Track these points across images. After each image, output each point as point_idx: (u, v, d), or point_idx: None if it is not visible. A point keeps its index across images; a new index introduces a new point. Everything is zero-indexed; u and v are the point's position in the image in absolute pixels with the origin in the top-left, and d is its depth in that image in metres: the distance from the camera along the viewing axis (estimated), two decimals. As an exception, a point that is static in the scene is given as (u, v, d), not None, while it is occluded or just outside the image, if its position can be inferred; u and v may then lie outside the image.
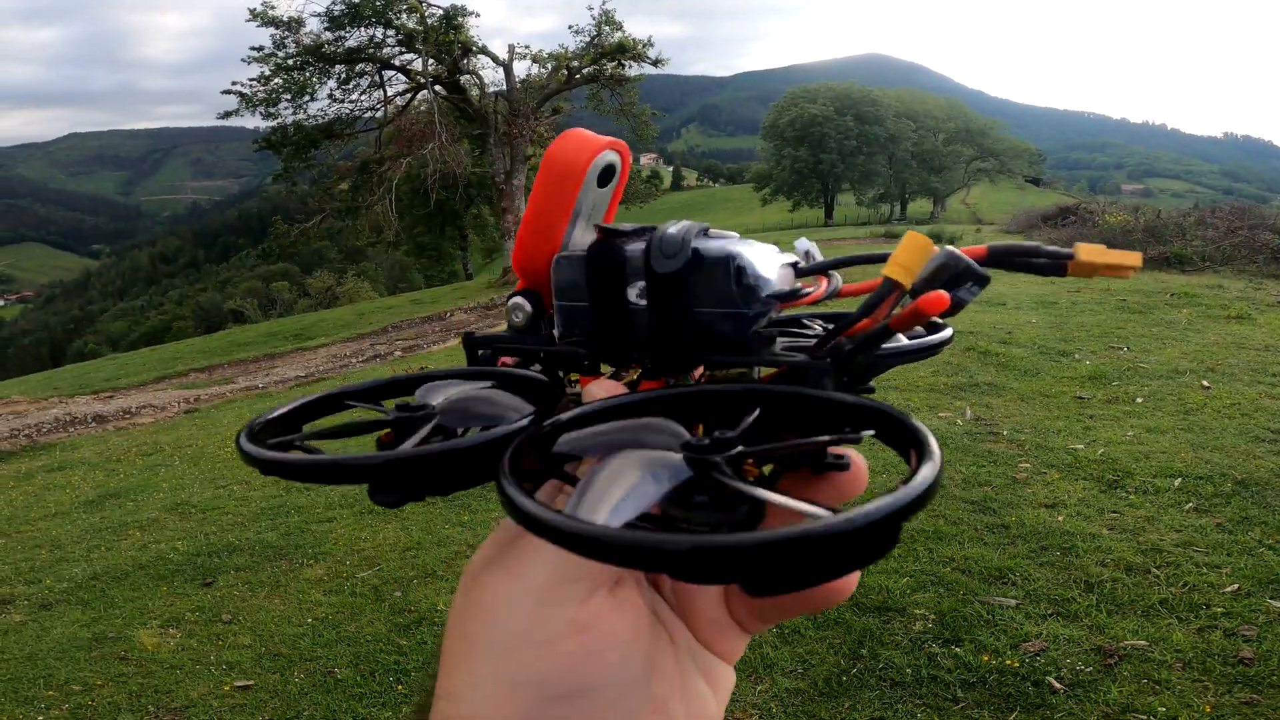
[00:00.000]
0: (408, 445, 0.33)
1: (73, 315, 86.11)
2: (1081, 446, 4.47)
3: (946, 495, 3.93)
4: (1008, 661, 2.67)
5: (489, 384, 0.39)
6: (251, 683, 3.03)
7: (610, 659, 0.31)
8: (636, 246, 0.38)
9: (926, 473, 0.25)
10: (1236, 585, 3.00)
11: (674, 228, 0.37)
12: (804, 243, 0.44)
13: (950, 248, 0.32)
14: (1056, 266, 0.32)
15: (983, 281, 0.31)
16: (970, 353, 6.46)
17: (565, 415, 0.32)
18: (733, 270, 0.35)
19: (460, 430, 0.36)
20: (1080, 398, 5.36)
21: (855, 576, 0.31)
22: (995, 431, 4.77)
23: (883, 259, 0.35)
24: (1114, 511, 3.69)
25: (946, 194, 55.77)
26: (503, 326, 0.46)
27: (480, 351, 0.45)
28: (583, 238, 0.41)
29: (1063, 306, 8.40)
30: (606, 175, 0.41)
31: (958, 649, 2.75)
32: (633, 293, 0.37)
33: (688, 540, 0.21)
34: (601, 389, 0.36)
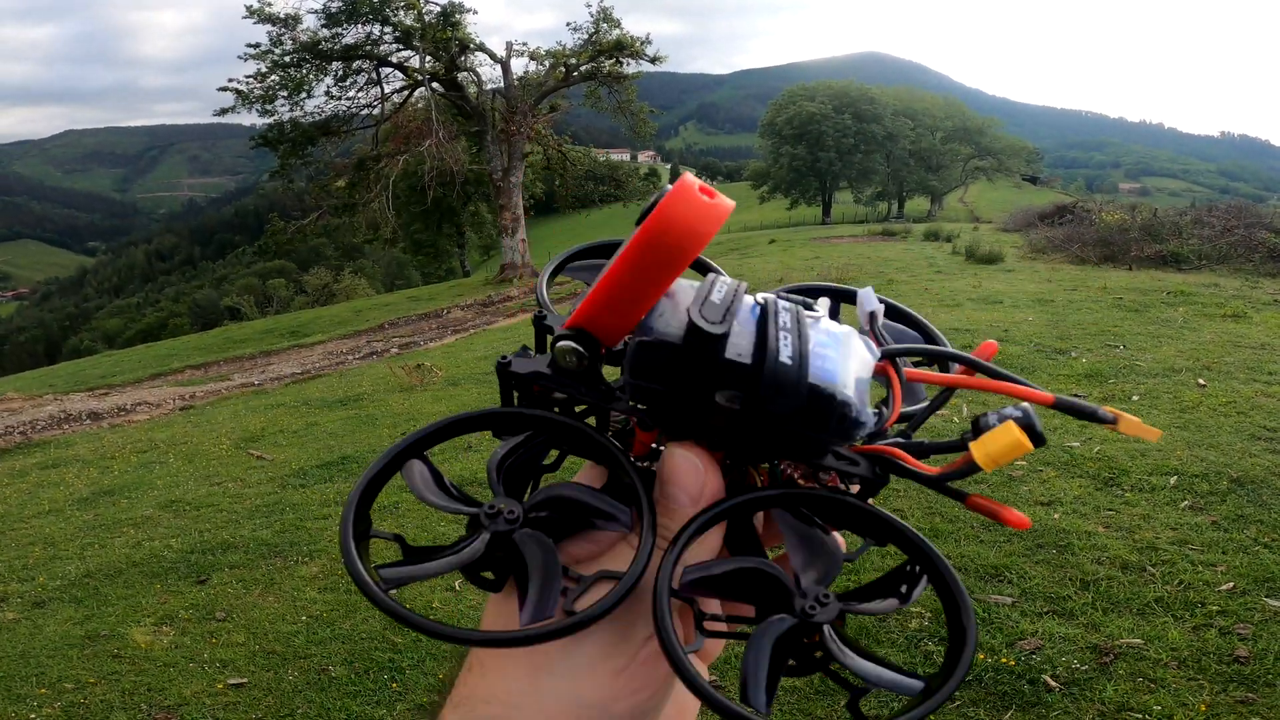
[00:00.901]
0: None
1: (68, 312, 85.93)
2: (1078, 444, 4.47)
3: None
4: (1004, 660, 2.66)
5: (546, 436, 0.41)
6: (245, 680, 3.02)
7: (656, 687, 0.38)
8: (739, 354, 0.35)
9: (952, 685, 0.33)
10: (1232, 584, 3.00)
11: (786, 349, 0.35)
12: (869, 299, 0.43)
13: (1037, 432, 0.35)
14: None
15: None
16: (967, 350, 6.44)
17: (695, 564, 0.37)
18: (836, 414, 0.35)
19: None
20: (1076, 395, 5.36)
21: None
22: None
23: (967, 361, 0.40)
24: (1110, 509, 3.69)
25: (944, 192, 55.80)
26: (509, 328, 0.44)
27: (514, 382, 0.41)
28: (669, 315, 0.37)
29: (1060, 305, 8.40)
30: None
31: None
32: (721, 397, 0.35)
33: None
34: (688, 461, 0.38)
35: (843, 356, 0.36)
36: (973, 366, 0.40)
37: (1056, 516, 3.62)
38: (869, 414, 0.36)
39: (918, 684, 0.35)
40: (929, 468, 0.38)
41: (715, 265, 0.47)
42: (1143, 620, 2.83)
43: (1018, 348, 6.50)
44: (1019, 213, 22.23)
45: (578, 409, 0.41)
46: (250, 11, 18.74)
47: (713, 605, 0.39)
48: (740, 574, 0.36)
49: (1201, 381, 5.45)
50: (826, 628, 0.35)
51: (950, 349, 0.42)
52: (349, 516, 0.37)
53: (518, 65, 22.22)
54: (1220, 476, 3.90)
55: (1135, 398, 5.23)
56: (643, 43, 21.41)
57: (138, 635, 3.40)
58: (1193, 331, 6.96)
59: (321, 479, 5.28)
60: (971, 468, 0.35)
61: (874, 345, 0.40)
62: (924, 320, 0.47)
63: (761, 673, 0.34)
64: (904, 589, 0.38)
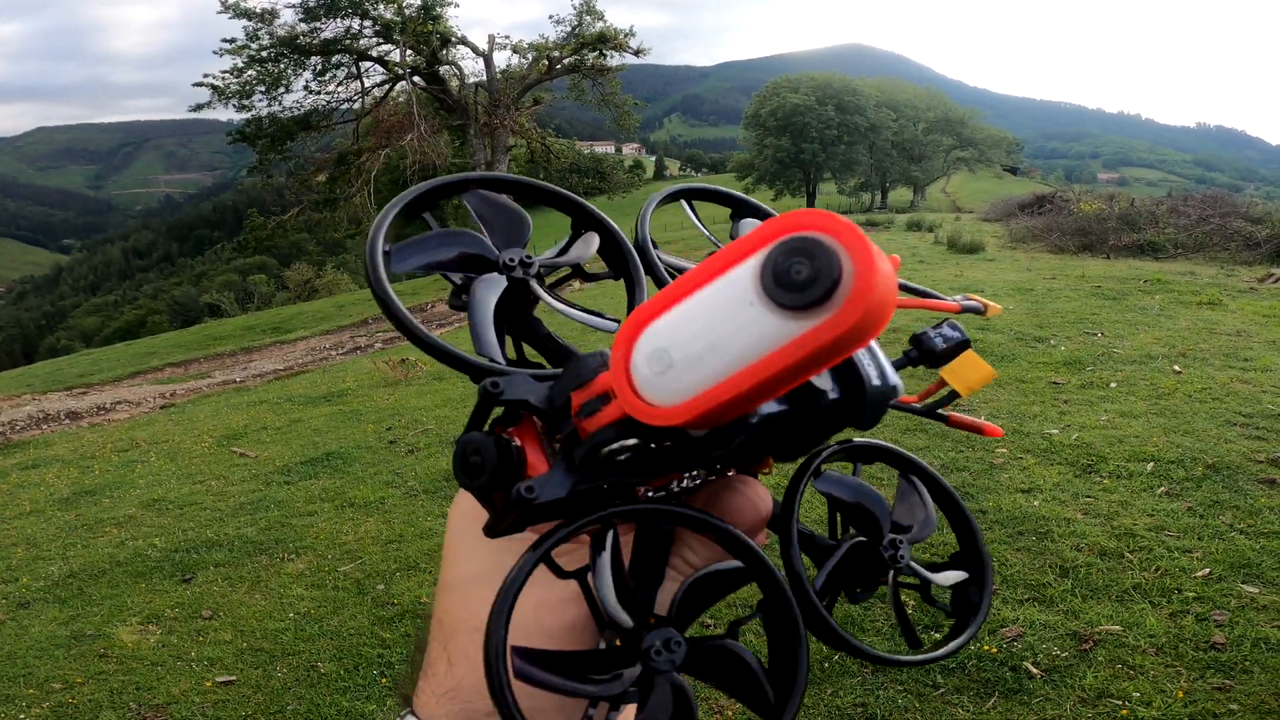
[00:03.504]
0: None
1: (44, 311, 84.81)
2: (1056, 431, 4.53)
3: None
4: (986, 647, 2.70)
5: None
6: (234, 678, 3.02)
7: None
8: (829, 391, 0.33)
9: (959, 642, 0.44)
10: (1208, 570, 3.05)
11: (872, 370, 0.34)
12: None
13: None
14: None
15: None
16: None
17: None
18: (893, 400, 0.36)
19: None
20: (1055, 383, 5.43)
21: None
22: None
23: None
24: (1088, 496, 3.74)
25: (926, 183, 56.09)
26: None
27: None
28: None
29: (1039, 293, 8.48)
30: None
31: (937, 635, 2.78)
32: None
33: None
34: (747, 499, 0.40)
35: (878, 346, 0.35)
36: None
37: (1036, 504, 3.67)
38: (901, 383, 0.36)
39: (963, 573, 0.47)
40: (911, 398, 0.43)
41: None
42: (1121, 607, 2.88)
43: (998, 335, 6.56)
44: (999, 203, 22.43)
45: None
46: (225, 6, 18.51)
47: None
48: (849, 554, 0.44)
49: (1177, 368, 5.53)
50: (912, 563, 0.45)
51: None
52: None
53: (500, 58, 22.17)
54: (1196, 463, 3.97)
55: (1113, 384, 5.31)
56: (626, 35, 21.36)
57: (124, 634, 3.39)
58: (1169, 319, 7.06)
59: (306, 475, 5.26)
60: (953, 395, 0.41)
61: None
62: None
63: (906, 621, 0.48)
64: (921, 504, 0.47)
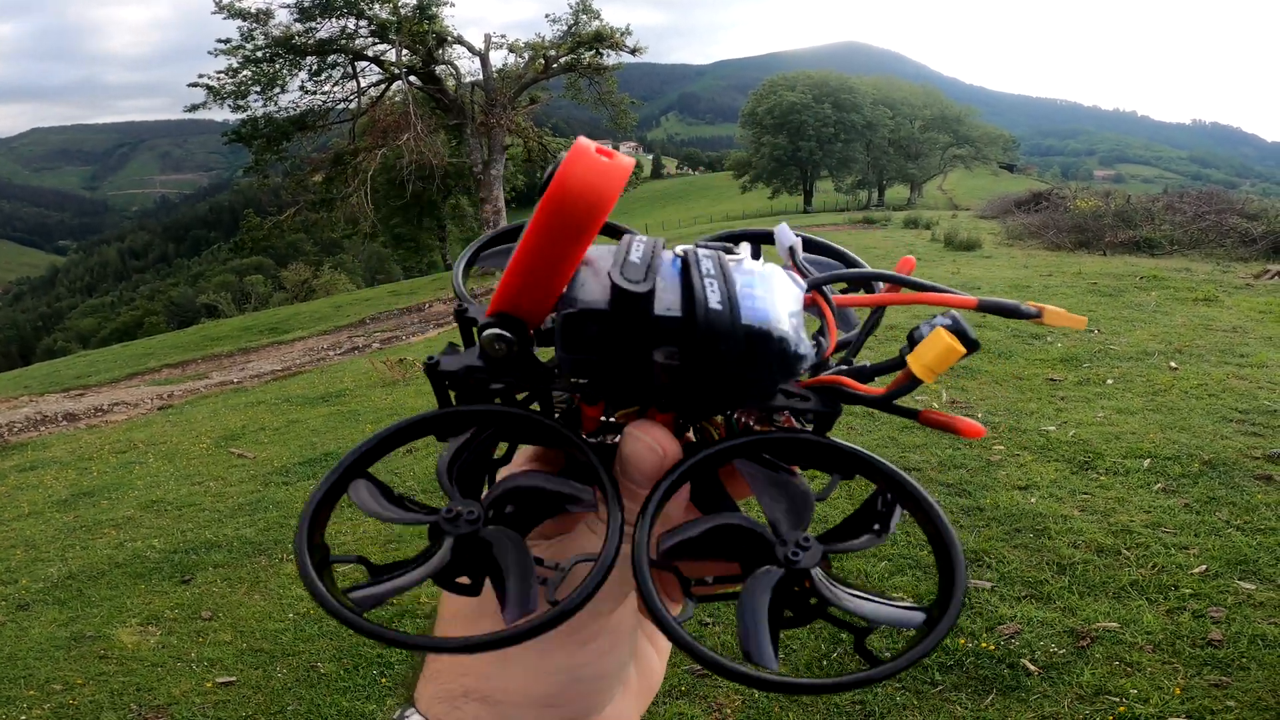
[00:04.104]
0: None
1: (41, 312, 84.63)
2: (1053, 428, 4.55)
3: (923, 478, 3.99)
4: (984, 644, 2.71)
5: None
6: (234, 679, 3.02)
7: (620, 650, 0.40)
8: (668, 309, 0.34)
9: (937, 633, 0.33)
10: (1205, 566, 3.07)
11: (714, 294, 0.33)
12: (787, 234, 0.42)
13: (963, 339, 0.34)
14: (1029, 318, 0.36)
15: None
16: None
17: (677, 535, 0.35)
18: (775, 351, 0.34)
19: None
20: (1052, 380, 5.44)
21: None
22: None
23: (889, 278, 0.39)
24: (1085, 493, 3.76)
25: (923, 180, 56.09)
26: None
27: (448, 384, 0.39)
28: (590, 283, 0.35)
29: (1035, 290, 8.50)
30: None
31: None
32: (659, 355, 0.34)
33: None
34: (642, 443, 0.37)
35: (770, 292, 0.35)
36: (896, 282, 0.39)
37: (1033, 501, 3.68)
38: (808, 346, 0.35)
39: (919, 615, 0.34)
40: (874, 389, 0.38)
41: (629, 228, 0.45)
42: (1118, 604, 2.89)
43: (995, 333, 6.58)
44: (996, 200, 22.45)
45: (519, 396, 0.40)
46: (220, 6, 18.47)
47: (701, 569, 0.38)
48: (717, 532, 0.35)
49: (1174, 365, 5.55)
50: (816, 571, 0.34)
51: (870, 269, 0.41)
52: (302, 548, 0.36)
53: (496, 58, 22.19)
54: (1192, 459, 3.98)
55: (1109, 381, 5.32)
56: (622, 34, 21.34)
57: (124, 636, 3.39)
58: (1165, 315, 7.07)
59: (304, 476, 5.26)
60: (913, 381, 0.35)
61: (799, 278, 0.38)
62: (842, 248, 0.46)
63: (762, 629, 0.34)
64: (879, 521, 0.37)
